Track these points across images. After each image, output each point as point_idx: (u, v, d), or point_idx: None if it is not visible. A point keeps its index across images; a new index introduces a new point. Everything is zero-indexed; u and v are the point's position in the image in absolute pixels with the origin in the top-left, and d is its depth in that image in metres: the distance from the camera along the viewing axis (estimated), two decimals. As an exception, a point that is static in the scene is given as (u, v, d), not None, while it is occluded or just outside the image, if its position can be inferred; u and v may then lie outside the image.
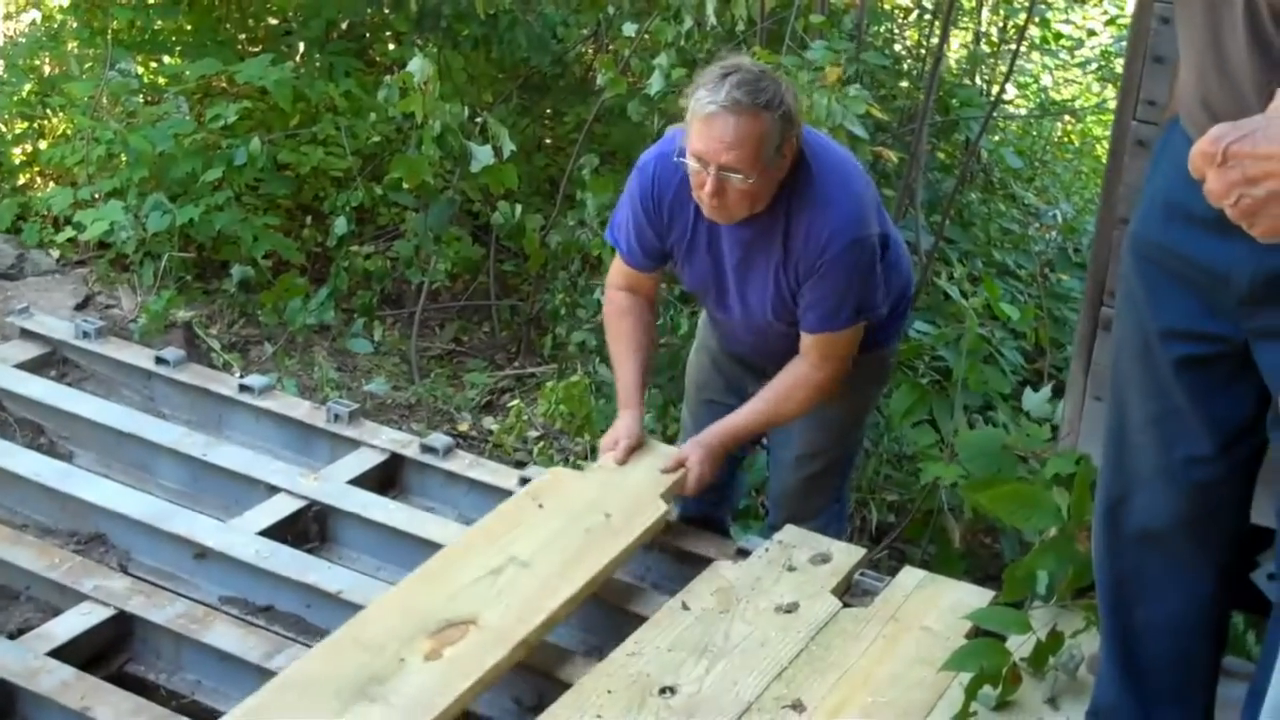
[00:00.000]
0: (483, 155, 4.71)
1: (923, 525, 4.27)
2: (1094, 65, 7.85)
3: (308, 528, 3.38)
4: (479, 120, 4.86)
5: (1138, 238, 2.24)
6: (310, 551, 3.30)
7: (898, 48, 6.73)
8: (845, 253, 3.01)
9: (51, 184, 5.56)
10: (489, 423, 4.83)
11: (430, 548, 3.26)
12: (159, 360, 3.93)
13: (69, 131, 5.54)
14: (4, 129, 5.78)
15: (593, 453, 4.55)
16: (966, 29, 7.26)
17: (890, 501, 4.51)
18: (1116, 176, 2.98)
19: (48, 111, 5.73)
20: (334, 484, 3.46)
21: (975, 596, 3.01)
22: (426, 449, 3.61)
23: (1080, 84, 8.17)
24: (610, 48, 5.26)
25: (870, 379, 3.41)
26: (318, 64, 5.69)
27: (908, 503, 4.46)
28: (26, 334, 4.08)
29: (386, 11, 5.86)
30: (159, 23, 5.88)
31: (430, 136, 4.64)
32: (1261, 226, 1.61)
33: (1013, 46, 6.43)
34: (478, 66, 5.88)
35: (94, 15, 5.82)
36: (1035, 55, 7.74)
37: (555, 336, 5.05)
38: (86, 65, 5.65)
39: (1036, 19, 6.85)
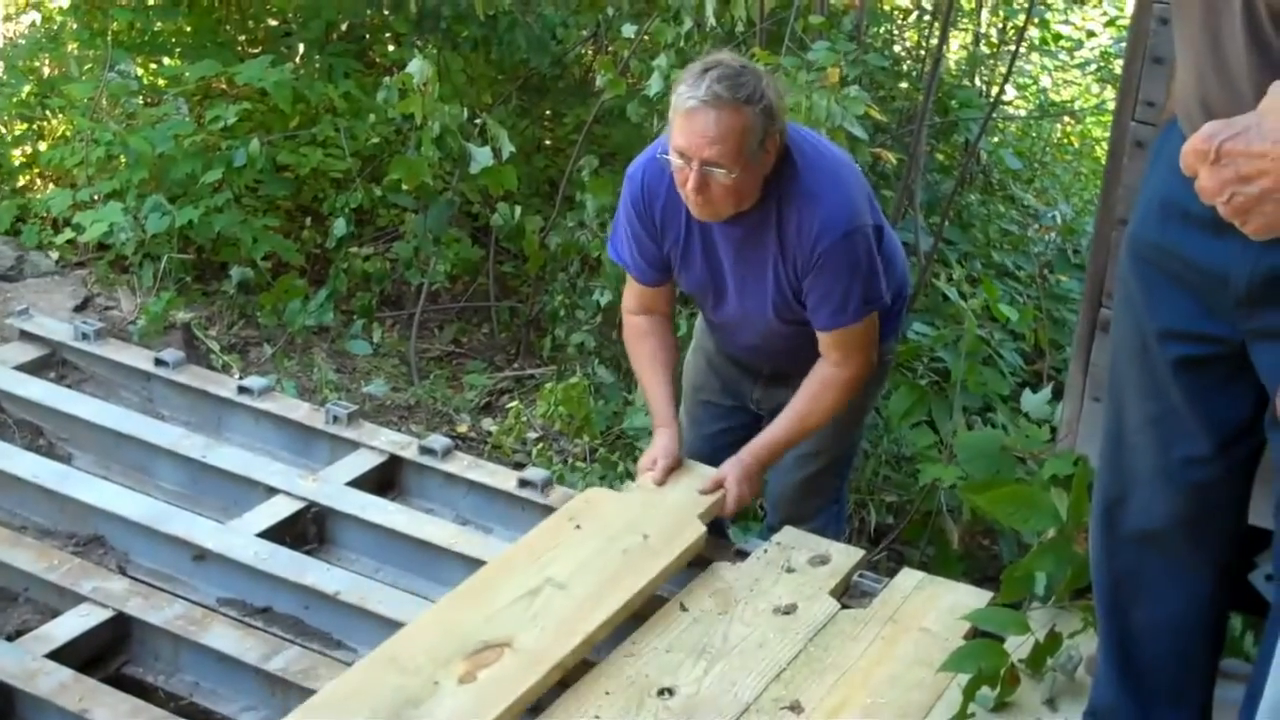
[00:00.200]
0: (482, 157, 4.71)
1: (921, 527, 4.28)
2: (1093, 66, 7.85)
3: (306, 529, 3.38)
4: (478, 122, 4.86)
5: (1135, 238, 2.24)
6: (309, 553, 3.29)
7: (897, 49, 6.73)
8: (840, 244, 3.01)
9: (51, 185, 5.56)
10: (488, 424, 4.83)
11: (429, 549, 3.27)
12: (158, 362, 3.92)
13: (68, 133, 5.54)
14: (3, 130, 5.78)
15: (592, 454, 4.56)
16: (966, 30, 7.26)
17: (889, 503, 4.51)
18: (1115, 177, 2.98)
19: (47, 113, 5.74)
20: (333, 485, 3.46)
21: (973, 598, 3.01)
22: (425, 450, 3.60)
23: (1079, 85, 8.17)
24: (609, 49, 5.27)
25: (868, 379, 3.41)
26: (317, 65, 5.70)
27: (906, 504, 4.46)
28: (26, 335, 4.08)
29: (386, 13, 5.86)
30: (158, 24, 5.89)
31: (429, 138, 4.64)
32: (1255, 224, 1.61)
33: (1012, 48, 6.43)
34: (477, 68, 5.88)
35: (93, 17, 5.83)
36: (1034, 56, 7.75)
37: (554, 338, 5.05)
38: (86, 67, 5.65)
39: (1036, 20, 6.85)
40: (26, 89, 5.75)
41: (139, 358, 3.99)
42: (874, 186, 3.83)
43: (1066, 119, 7.96)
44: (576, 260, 5.00)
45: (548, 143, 6.23)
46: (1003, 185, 6.94)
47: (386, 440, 3.67)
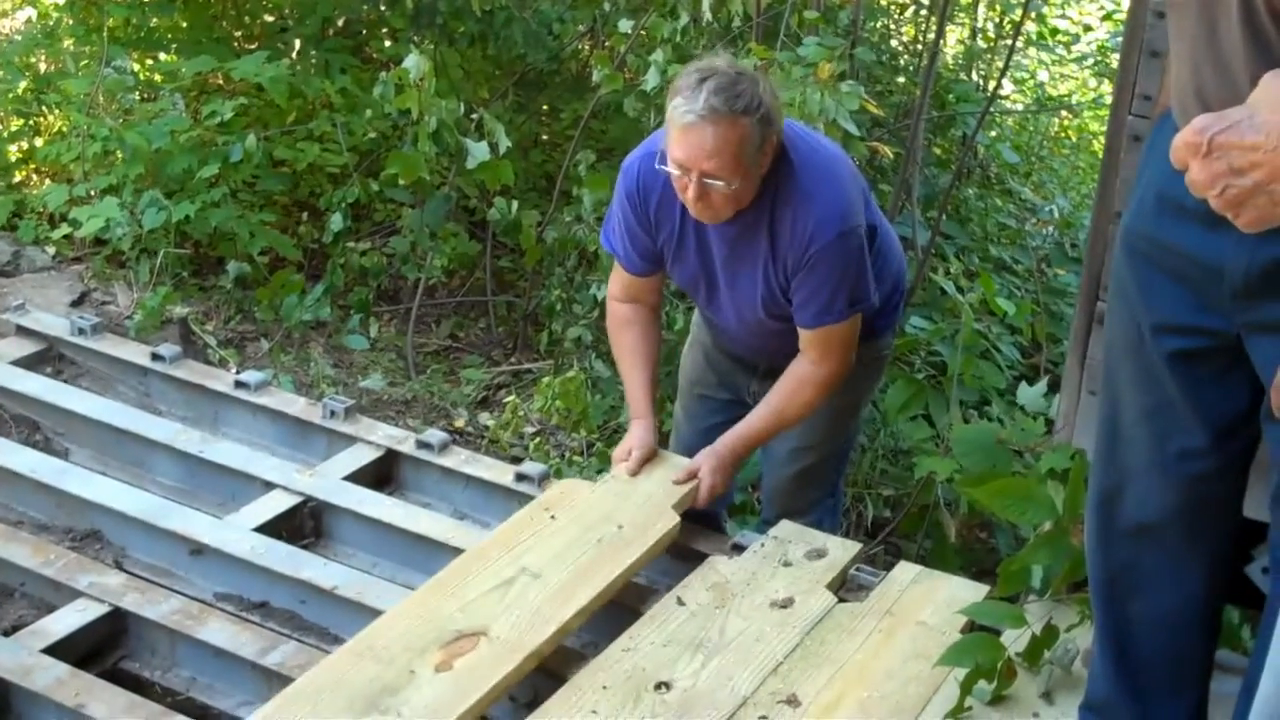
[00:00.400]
0: (479, 152, 4.71)
1: (918, 520, 4.28)
2: (1090, 60, 7.85)
3: (303, 524, 3.38)
4: (475, 117, 4.86)
5: (1130, 231, 2.24)
6: (306, 548, 3.29)
7: (894, 43, 6.73)
8: (832, 245, 3.00)
9: (47, 181, 5.56)
10: (485, 418, 4.83)
11: (426, 544, 3.27)
12: (155, 357, 3.92)
13: (65, 128, 5.53)
14: (0, 126, 5.77)
15: (589, 448, 4.56)
16: (963, 24, 7.26)
17: (886, 496, 4.52)
18: (1112, 171, 2.98)
19: (43, 109, 5.73)
20: (330, 480, 3.46)
21: (970, 591, 3.01)
22: (422, 445, 3.60)
23: (1077, 79, 8.17)
24: (606, 44, 5.26)
25: (864, 373, 3.41)
26: (313, 60, 5.69)
27: (903, 497, 4.46)
28: (22, 331, 4.07)
29: (382, 8, 5.86)
30: (154, 20, 5.88)
31: (426, 133, 4.64)
32: (1247, 216, 1.61)
33: (1009, 42, 6.43)
34: (474, 63, 5.88)
35: (90, 12, 5.81)
36: (1031, 50, 7.75)
37: (551, 332, 5.05)
38: (82, 62, 5.64)
39: (1033, 14, 6.85)
40: (23, 85, 5.74)
41: (136, 353, 3.99)
42: (871, 181, 3.84)
43: (1064, 113, 7.96)
44: (574, 255, 5.00)
45: (544, 137, 6.23)
46: (1000, 179, 6.94)
47: (383, 435, 3.67)
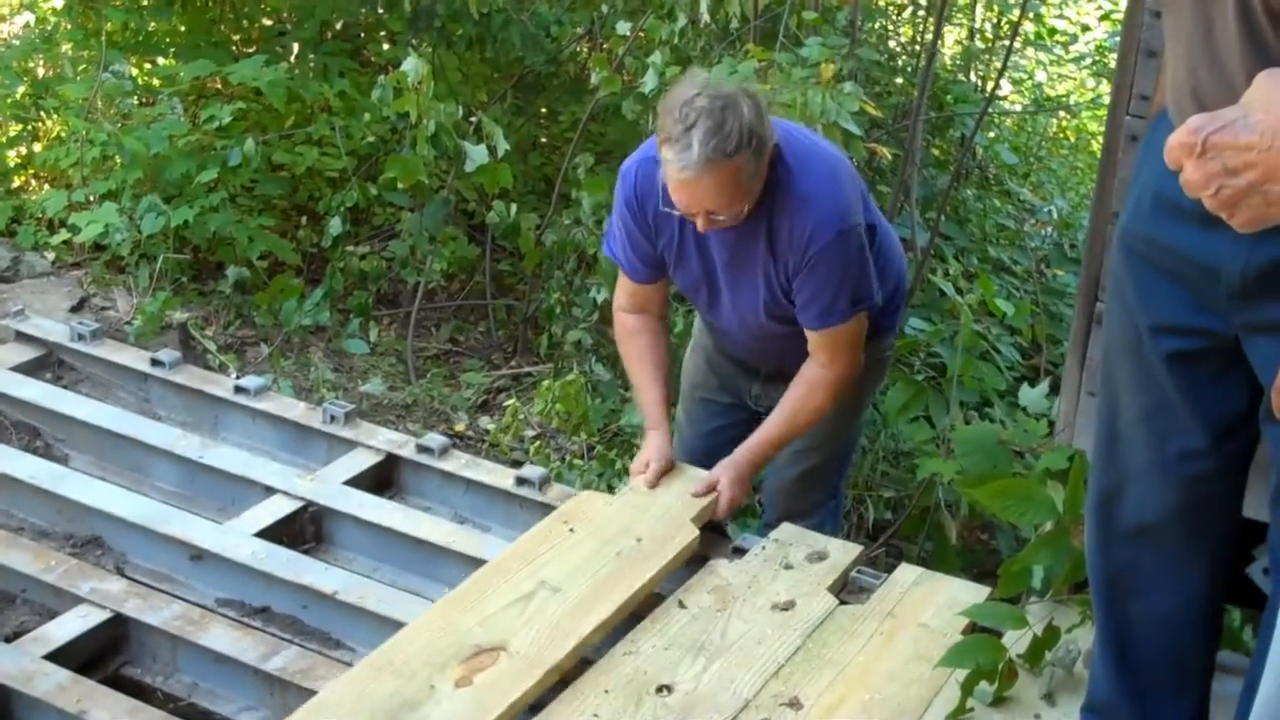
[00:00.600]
0: (477, 155, 4.71)
1: (920, 522, 4.28)
2: (1088, 60, 7.85)
3: (304, 529, 3.38)
4: (473, 120, 4.86)
5: (1127, 231, 2.24)
6: (306, 552, 3.29)
7: (892, 44, 6.73)
8: (831, 246, 3.00)
9: (46, 186, 5.56)
10: (485, 422, 4.83)
11: (427, 548, 3.27)
12: (154, 362, 3.92)
13: (63, 134, 5.53)
14: (-2, 132, 5.78)
15: (589, 452, 4.56)
16: (961, 25, 7.26)
17: (887, 498, 4.51)
18: (1110, 171, 2.98)
19: (42, 114, 5.73)
20: (330, 485, 3.46)
21: (972, 593, 3.01)
22: (422, 449, 3.60)
23: (1075, 79, 8.17)
24: (604, 46, 5.26)
25: (866, 374, 3.41)
26: (312, 64, 5.69)
27: (905, 499, 4.46)
28: (22, 336, 4.07)
29: (380, 11, 5.86)
30: (152, 24, 5.88)
31: (425, 136, 4.64)
32: (1241, 217, 1.61)
33: (1007, 42, 6.42)
34: (472, 66, 5.88)
35: (88, 17, 5.82)
36: (1030, 51, 7.75)
37: (551, 335, 5.05)
38: (80, 67, 5.65)
39: (1030, 14, 6.85)
40: (21, 90, 5.74)
41: (135, 358, 3.99)
42: (870, 182, 3.84)
43: (1062, 113, 7.96)
44: (573, 257, 5.00)
45: (543, 140, 6.23)
46: (999, 180, 6.94)
47: (384, 439, 3.67)
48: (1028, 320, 5.01)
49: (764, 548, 3.15)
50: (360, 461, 3.58)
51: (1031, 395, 3.76)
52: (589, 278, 4.91)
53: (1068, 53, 7.96)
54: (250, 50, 5.87)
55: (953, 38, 7.31)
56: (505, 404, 4.80)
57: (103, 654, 2.95)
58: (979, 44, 7.16)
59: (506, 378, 5.19)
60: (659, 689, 2.65)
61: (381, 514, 3.36)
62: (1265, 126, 1.58)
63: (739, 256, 3.10)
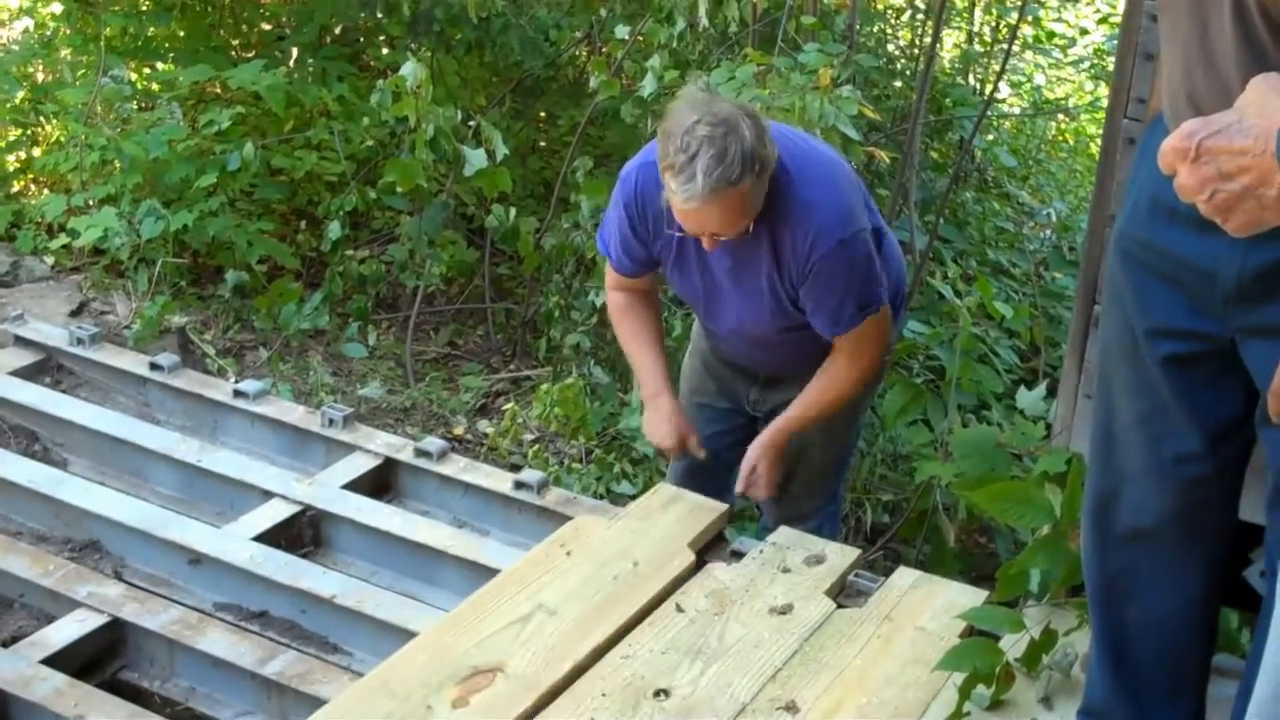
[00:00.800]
0: (476, 159, 4.72)
1: (918, 525, 4.28)
2: (1087, 64, 7.86)
3: (302, 533, 3.38)
4: (472, 124, 4.86)
5: (1123, 235, 2.23)
6: (304, 556, 3.30)
7: (890, 47, 6.73)
8: (833, 253, 3.00)
9: (45, 191, 5.57)
10: (484, 426, 4.83)
11: (425, 552, 3.27)
12: (153, 366, 3.93)
13: (62, 138, 5.54)
14: (-2, 137, 5.79)
15: (588, 455, 4.56)
16: (959, 28, 7.26)
17: (885, 502, 4.52)
18: (1108, 174, 2.97)
19: (41, 119, 5.74)
20: (328, 489, 3.46)
21: (969, 596, 3.01)
22: (421, 453, 3.60)
23: (1073, 83, 8.17)
24: (603, 50, 5.27)
25: (880, 370, 3.42)
26: (311, 69, 5.70)
27: (903, 503, 4.46)
28: (21, 341, 4.08)
29: (379, 16, 5.86)
30: (152, 29, 5.88)
31: (423, 140, 4.64)
32: (1236, 221, 1.61)
33: (1005, 45, 6.43)
34: (471, 70, 5.88)
35: (87, 22, 5.82)
36: (1028, 54, 7.75)
37: (550, 339, 5.05)
38: (80, 72, 5.65)
39: (1029, 18, 6.86)
40: (20, 95, 5.75)
41: (134, 362, 3.99)
42: (869, 185, 3.83)
43: (1061, 117, 7.96)
44: (572, 261, 5.00)
45: (542, 144, 6.23)
46: (997, 183, 6.94)
47: (382, 443, 3.67)
48: (1026, 323, 5.01)
49: (761, 551, 3.15)
50: (359, 465, 3.58)
51: (1029, 398, 3.76)
52: (588, 281, 4.91)
53: (1066, 56, 7.96)
54: (249, 55, 5.87)
55: (951, 41, 7.31)
56: (504, 408, 4.80)
57: (100, 658, 2.95)
58: (977, 47, 7.17)
59: (505, 381, 5.19)
60: (656, 693, 2.65)
61: (380, 518, 3.37)
62: (1259, 131, 1.58)
63: (742, 265, 3.10)
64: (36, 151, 5.66)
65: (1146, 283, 2.19)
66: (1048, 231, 6.44)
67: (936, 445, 4.07)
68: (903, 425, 4.23)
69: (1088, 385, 3.04)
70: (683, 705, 2.63)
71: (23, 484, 3.40)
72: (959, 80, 6.94)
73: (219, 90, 5.76)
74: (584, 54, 5.97)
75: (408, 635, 2.87)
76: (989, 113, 6.37)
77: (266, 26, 6.27)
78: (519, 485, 3.46)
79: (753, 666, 2.75)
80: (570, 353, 4.90)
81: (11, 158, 5.70)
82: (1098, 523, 2.42)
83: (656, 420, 3.38)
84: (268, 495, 3.43)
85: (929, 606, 2.97)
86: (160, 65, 5.89)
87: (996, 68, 6.49)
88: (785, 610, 2.92)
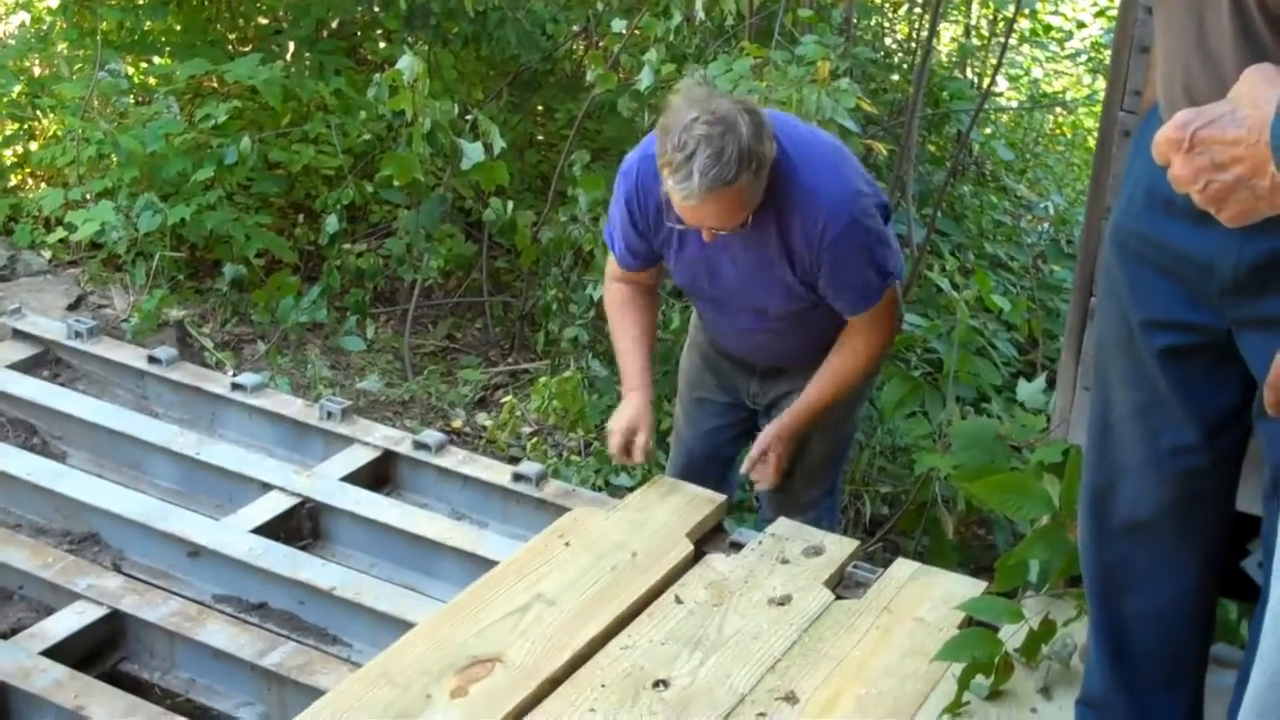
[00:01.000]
0: (473, 152, 4.71)
1: (916, 517, 4.28)
2: (1084, 57, 7.86)
3: (301, 525, 3.38)
4: (469, 117, 4.86)
5: (1119, 227, 2.23)
6: (303, 549, 3.30)
7: (888, 41, 6.73)
8: (846, 233, 3.00)
9: (42, 185, 5.57)
10: (483, 419, 4.83)
11: (424, 544, 3.27)
12: (151, 359, 3.93)
13: (59, 132, 5.54)
14: (-5, 131, 5.79)
15: (586, 448, 4.56)
16: (957, 22, 7.26)
17: (884, 493, 4.52)
18: (1105, 167, 2.97)
19: (38, 113, 5.74)
20: (327, 481, 3.46)
21: (968, 587, 3.01)
22: (419, 445, 3.61)
23: (1071, 76, 8.17)
24: (600, 44, 5.27)
25: (890, 343, 3.42)
26: (308, 63, 5.70)
27: (902, 495, 4.47)
28: (19, 334, 4.08)
29: (376, 10, 5.86)
30: (148, 23, 5.88)
31: (421, 134, 4.64)
32: (1229, 211, 1.62)
33: (1002, 39, 6.43)
34: (467, 64, 5.88)
35: (83, 16, 5.82)
36: (1025, 48, 7.75)
37: (548, 332, 5.05)
38: (76, 66, 5.65)
39: (1026, 11, 6.85)
40: (17, 89, 5.75)
41: (132, 355, 3.99)
42: (855, 157, 3.83)
43: (1058, 110, 7.96)
44: (569, 254, 5.00)
45: (539, 138, 6.23)
46: (995, 176, 6.94)
47: (380, 436, 3.67)
48: (1024, 316, 5.02)
49: (760, 542, 3.15)
50: (357, 458, 3.58)
51: (1029, 390, 3.76)
52: (586, 274, 4.91)
53: (1063, 49, 7.96)
54: (246, 49, 5.87)
55: (948, 34, 7.31)
56: (502, 400, 4.80)
57: (100, 650, 2.95)
58: (975, 41, 7.17)
59: (503, 374, 5.19)
60: (655, 684, 2.66)
61: (378, 510, 3.37)
62: (1253, 121, 1.58)
63: (748, 253, 3.10)
64: (34, 145, 5.66)
65: (1142, 275, 2.19)
66: (1045, 225, 6.44)
67: (935, 437, 4.08)
68: (901, 417, 4.23)
69: (1085, 377, 3.04)
70: (682, 696, 2.63)
71: (22, 477, 3.41)
72: (956, 74, 6.94)
73: (216, 84, 5.76)
74: (581, 48, 5.97)
75: (407, 626, 2.88)
76: (986, 106, 6.37)
77: (263, 20, 6.26)
78: (517, 477, 3.47)
79: (752, 657, 2.75)
80: (568, 346, 4.90)
81: (9, 152, 5.70)
82: (1095, 514, 2.42)
83: (618, 414, 3.37)
84: (266, 488, 3.43)
85: (928, 598, 2.97)
86: (157, 59, 5.90)
87: (994, 61, 6.49)
88: (784, 601, 2.93)
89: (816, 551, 3.12)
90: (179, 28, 5.95)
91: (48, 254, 5.18)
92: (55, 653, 2.83)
